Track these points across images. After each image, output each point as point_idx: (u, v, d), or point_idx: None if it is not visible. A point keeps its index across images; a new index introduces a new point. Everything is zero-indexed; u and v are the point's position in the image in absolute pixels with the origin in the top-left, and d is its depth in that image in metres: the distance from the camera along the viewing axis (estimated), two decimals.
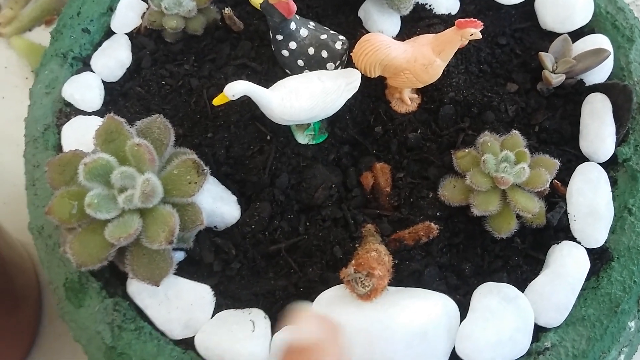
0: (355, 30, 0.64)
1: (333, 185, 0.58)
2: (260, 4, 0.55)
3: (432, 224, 0.54)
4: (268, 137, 0.59)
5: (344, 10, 0.65)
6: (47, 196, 0.57)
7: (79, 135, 0.58)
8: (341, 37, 0.59)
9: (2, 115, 0.87)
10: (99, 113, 0.61)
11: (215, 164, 0.58)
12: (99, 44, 0.65)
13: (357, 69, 0.57)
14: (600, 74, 0.61)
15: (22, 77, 0.90)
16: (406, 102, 0.60)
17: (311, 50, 0.58)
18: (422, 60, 0.55)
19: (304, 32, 0.58)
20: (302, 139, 0.59)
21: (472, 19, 0.53)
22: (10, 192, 0.82)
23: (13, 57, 0.91)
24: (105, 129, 0.53)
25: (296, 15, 0.57)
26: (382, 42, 0.55)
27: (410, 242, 0.54)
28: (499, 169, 0.53)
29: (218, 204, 0.55)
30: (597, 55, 0.60)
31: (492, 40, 0.64)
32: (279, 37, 0.58)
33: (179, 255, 0.55)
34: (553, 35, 0.64)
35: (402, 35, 0.64)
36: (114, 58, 0.63)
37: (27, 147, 0.60)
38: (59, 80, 0.62)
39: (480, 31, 0.57)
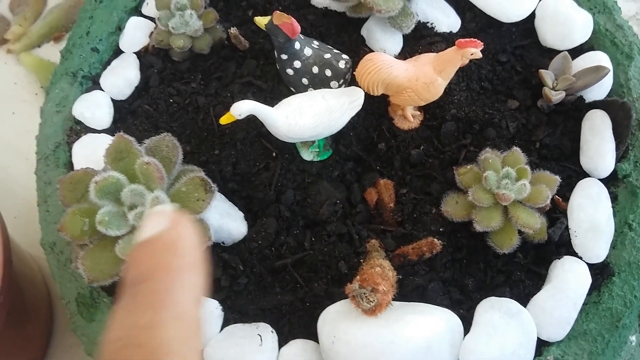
0: (358, 48, 0.65)
1: (337, 201, 0.59)
2: (265, 24, 0.57)
3: (436, 240, 0.55)
4: (274, 154, 0.60)
5: (347, 29, 0.67)
6: (59, 213, 0.58)
7: (89, 152, 0.59)
8: (344, 56, 0.61)
9: (12, 129, 0.89)
10: (108, 131, 0.62)
11: (222, 181, 0.59)
12: (108, 63, 0.66)
13: (360, 87, 0.58)
14: (599, 90, 0.62)
15: (31, 92, 0.92)
16: (409, 118, 0.62)
17: (315, 69, 0.59)
18: (424, 79, 0.56)
19: (308, 51, 0.59)
20: (307, 155, 0.61)
21: (472, 39, 0.54)
22: (20, 206, 0.84)
23: (22, 73, 0.93)
24: (115, 148, 0.54)
25: (300, 35, 0.58)
26: (384, 61, 0.56)
27: (414, 257, 0.55)
28: (500, 186, 0.54)
29: (225, 220, 0.56)
30: (597, 72, 0.61)
31: (493, 58, 0.65)
32: (284, 57, 0.59)
33: None
34: (553, 52, 0.65)
35: (404, 53, 0.65)
36: (122, 77, 0.64)
37: (39, 164, 0.61)
38: (69, 98, 0.63)
39: (481, 49, 0.58)
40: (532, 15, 0.66)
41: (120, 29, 0.68)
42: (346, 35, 0.67)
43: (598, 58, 0.63)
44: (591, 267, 0.55)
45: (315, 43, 0.61)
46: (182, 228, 0.34)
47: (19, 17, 0.96)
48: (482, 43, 0.54)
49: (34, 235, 0.83)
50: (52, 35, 0.94)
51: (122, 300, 0.32)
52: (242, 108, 0.53)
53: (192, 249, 0.34)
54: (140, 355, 0.29)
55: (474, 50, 0.54)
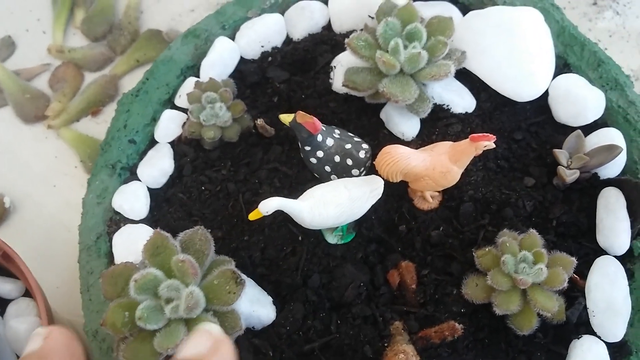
0: (377, 131, 0.68)
1: (362, 284, 0.61)
2: (289, 122, 0.61)
3: (457, 325, 0.57)
4: (299, 238, 0.64)
5: (367, 113, 0.70)
6: (100, 302, 0.62)
7: (128, 243, 0.63)
8: (365, 145, 0.64)
9: (54, 202, 0.94)
10: (145, 220, 0.66)
11: (251, 266, 0.63)
12: (144, 153, 0.71)
13: (379, 176, 0.61)
14: (613, 168, 0.64)
15: (71, 165, 0.97)
16: (428, 199, 0.64)
17: (337, 158, 0.63)
18: (440, 168, 0.59)
19: (329, 141, 0.63)
20: (332, 239, 0.64)
21: (485, 134, 0.57)
22: (62, 276, 0.88)
23: (62, 147, 0.98)
24: (152, 244, 0.58)
25: (322, 126, 0.62)
26: (402, 154, 0.59)
27: (436, 340, 0.57)
28: (518, 270, 0.56)
29: (255, 307, 0.59)
30: (610, 151, 0.63)
31: (508, 136, 0.68)
32: (307, 148, 0.63)
33: None
34: (567, 128, 0.67)
35: (422, 136, 0.68)
36: (158, 167, 0.68)
37: (81, 254, 0.65)
38: (109, 190, 0.68)
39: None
40: (546, 93, 0.69)
41: (155, 119, 0.72)
42: (366, 119, 0.70)
43: (611, 135, 0.65)
44: (609, 346, 0.57)
45: (337, 132, 0.64)
46: (224, 352, 0.35)
47: (58, 94, 1.02)
48: (494, 137, 0.57)
49: (74, 305, 0.87)
50: (90, 110, 0.99)
51: None
52: (270, 205, 0.56)
53: None
54: None
55: (487, 143, 0.57)
